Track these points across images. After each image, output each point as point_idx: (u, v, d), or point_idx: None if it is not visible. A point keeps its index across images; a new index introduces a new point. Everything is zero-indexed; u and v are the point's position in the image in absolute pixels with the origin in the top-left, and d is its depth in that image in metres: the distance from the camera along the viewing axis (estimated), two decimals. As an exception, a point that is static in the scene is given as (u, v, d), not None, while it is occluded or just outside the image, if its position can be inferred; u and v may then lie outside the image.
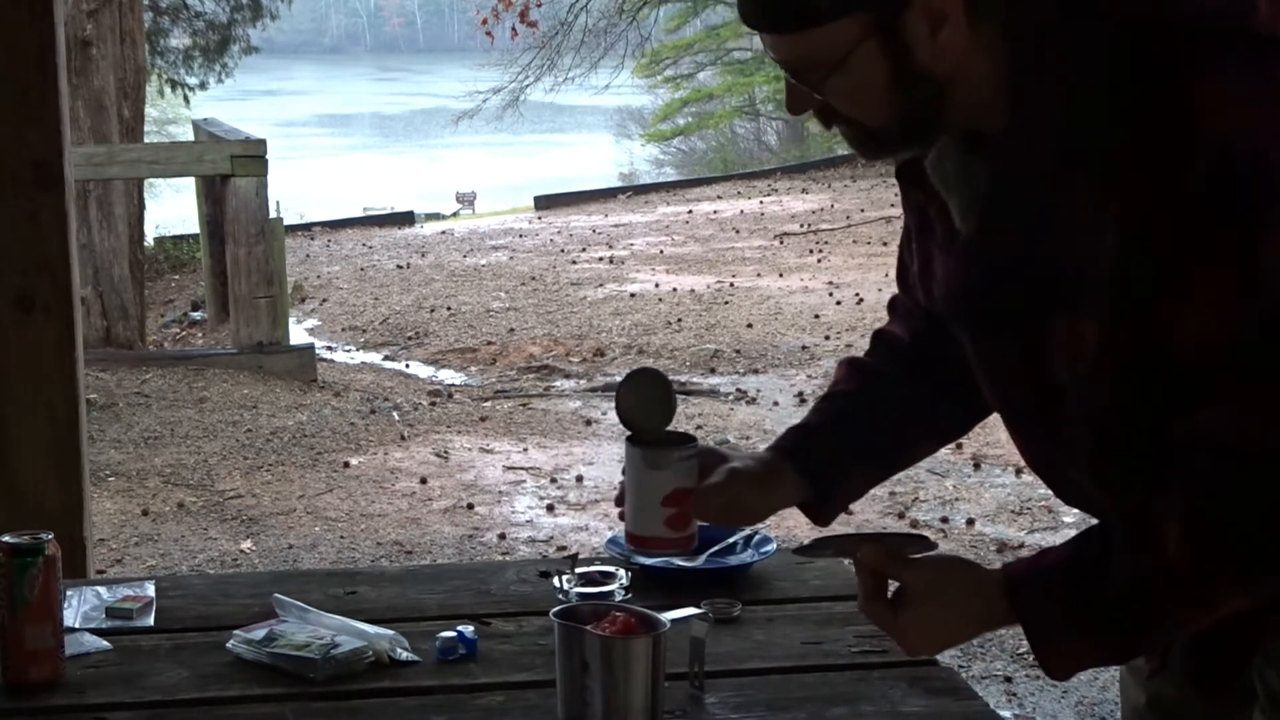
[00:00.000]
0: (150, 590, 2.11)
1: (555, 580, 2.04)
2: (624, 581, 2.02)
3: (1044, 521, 5.77)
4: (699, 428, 7.35)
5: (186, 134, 12.90)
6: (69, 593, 2.03)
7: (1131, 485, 1.44)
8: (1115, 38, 1.37)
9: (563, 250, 13.53)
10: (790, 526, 5.78)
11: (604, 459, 6.87)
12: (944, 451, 6.83)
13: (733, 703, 1.75)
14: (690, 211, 15.70)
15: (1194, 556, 1.38)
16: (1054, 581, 1.46)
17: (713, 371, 8.71)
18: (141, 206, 10.61)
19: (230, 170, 8.45)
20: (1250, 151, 1.31)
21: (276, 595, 1.99)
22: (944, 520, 5.82)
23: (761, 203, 16.07)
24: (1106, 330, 1.39)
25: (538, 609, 1.97)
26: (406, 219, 17.10)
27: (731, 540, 2.18)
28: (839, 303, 10.39)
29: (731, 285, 11.26)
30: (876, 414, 1.83)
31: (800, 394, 8.01)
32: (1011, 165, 1.45)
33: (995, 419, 1.70)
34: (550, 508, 6.15)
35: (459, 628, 1.91)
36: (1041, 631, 1.46)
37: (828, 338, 9.34)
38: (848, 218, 14.36)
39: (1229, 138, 1.31)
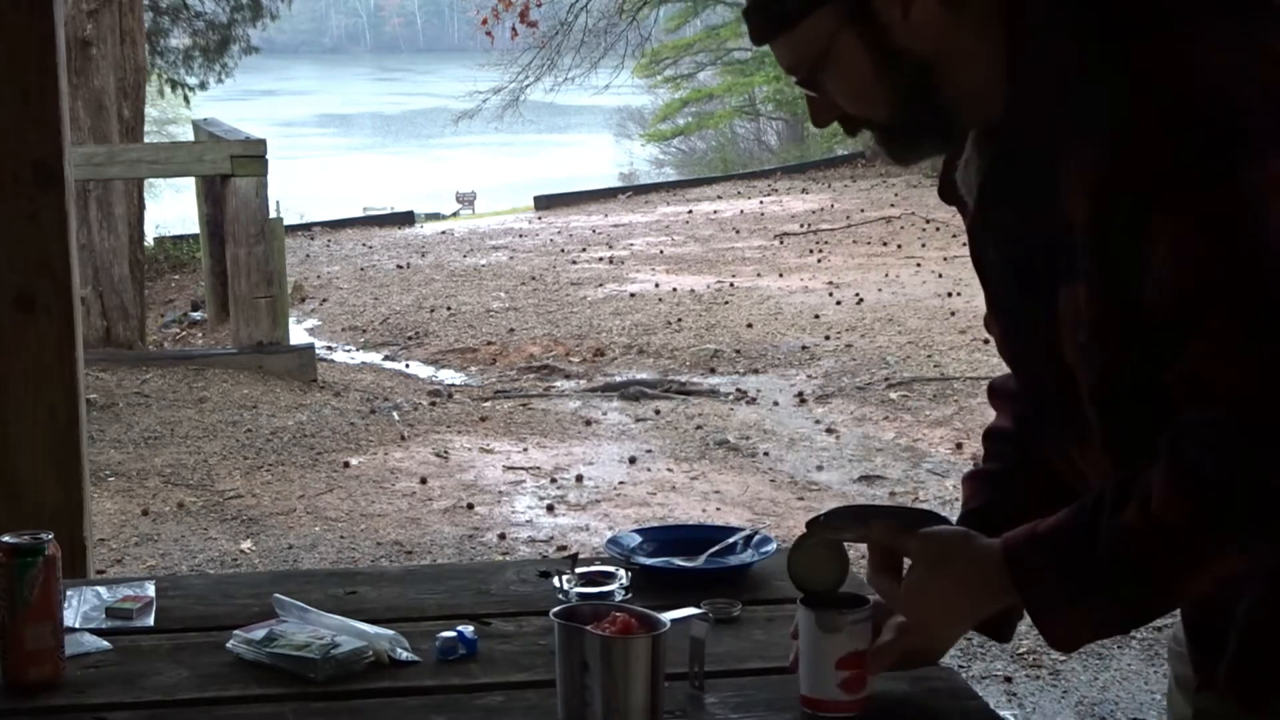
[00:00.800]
0: (150, 590, 2.11)
1: (555, 580, 2.04)
2: (624, 581, 2.02)
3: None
4: (699, 428, 7.35)
5: (186, 134, 12.91)
6: (69, 593, 2.03)
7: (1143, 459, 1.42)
8: (1092, 7, 1.41)
9: (563, 250, 13.53)
10: (790, 526, 5.78)
11: (604, 459, 6.88)
12: (944, 451, 6.83)
13: (733, 703, 1.75)
14: (690, 211, 15.70)
15: (1177, 507, 1.36)
16: (1047, 547, 1.45)
17: (713, 371, 8.71)
18: (141, 206, 10.61)
19: (230, 170, 8.45)
20: (1212, 100, 1.33)
21: (276, 595, 1.99)
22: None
23: (761, 203, 16.07)
24: (1092, 291, 1.40)
25: (538, 609, 1.97)
26: (406, 219, 17.09)
27: (731, 540, 2.18)
28: (839, 303, 10.39)
29: (731, 285, 11.27)
30: (1011, 515, 1.75)
31: (800, 394, 8.02)
32: (1011, 143, 1.47)
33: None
34: (550, 508, 6.15)
35: (459, 628, 1.91)
36: (1037, 599, 1.47)
37: (828, 338, 9.34)
38: (848, 218, 14.36)
39: (1192, 88, 1.33)
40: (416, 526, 5.92)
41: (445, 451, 6.98)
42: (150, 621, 2.01)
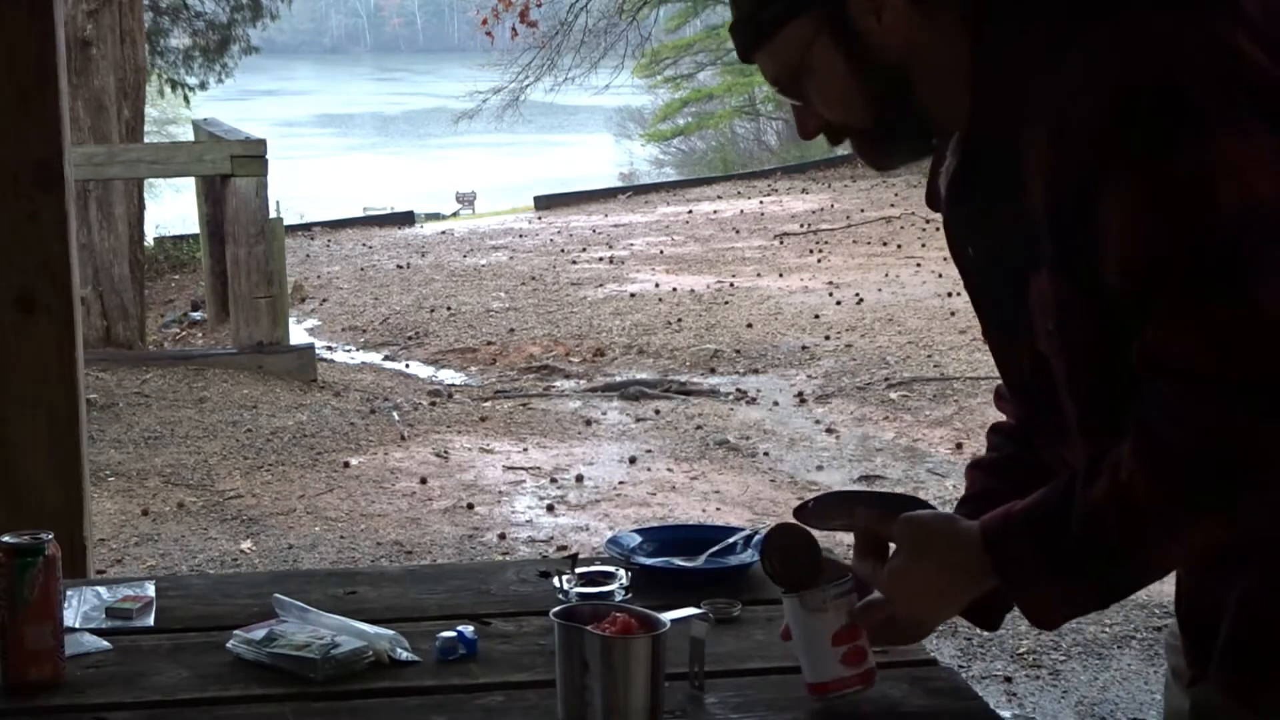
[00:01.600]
0: (150, 590, 2.11)
1: (555, 580, 2.04)
2: (624, 581, 2.02)
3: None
4: (699, 428, 7.35)
5: (186, 134, 12.91)
6: (69, 593, 2.03)
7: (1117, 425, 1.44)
8: (1046, 5, 1.45)
9: (563, 250, 13.53)
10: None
11: (604, 459, 6.88)
12: (944, 451, 6.83)
13: (733, 703, 1.75)
14: (690, 211, 15.70)
15: (1143, 479, 1.38)
16: (1022, 526, 1.48)
17: (713, 371, 8.71)
18: (141, 206, 10.62)
19: (230, 170, 8.46)
20: (1156, 82, 1.35)
21: (276, 595, 1.99)
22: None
23: (761, 203, 16.08)
24: (1055, 277, 1.43)
25: (538, 609, 1.97)
26: (406, 219, 17.09)
27: (731, 540, 2.18)
28: (839, 303, 10.39)
29: (731, 285, 11.27)
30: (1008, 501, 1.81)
31: (800, 394, 8.02)
32: (977, 140, 1.51)
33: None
34: (550, 508, 6.15)
35: (459, 628, 1.91)
36: (1015, 577, 1.48)
37: (828, 338, 9.34)
38: (848, 218, 14.36)
39: (1137, 71, 1.36)
40: (416, 526, 5.92)
41: (445, 451, 6.98)
42: (150, 621, 2.01)
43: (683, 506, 6.13)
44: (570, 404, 8.01)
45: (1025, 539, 1.47)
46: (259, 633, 1.89)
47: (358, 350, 9.85)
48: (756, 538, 2.19)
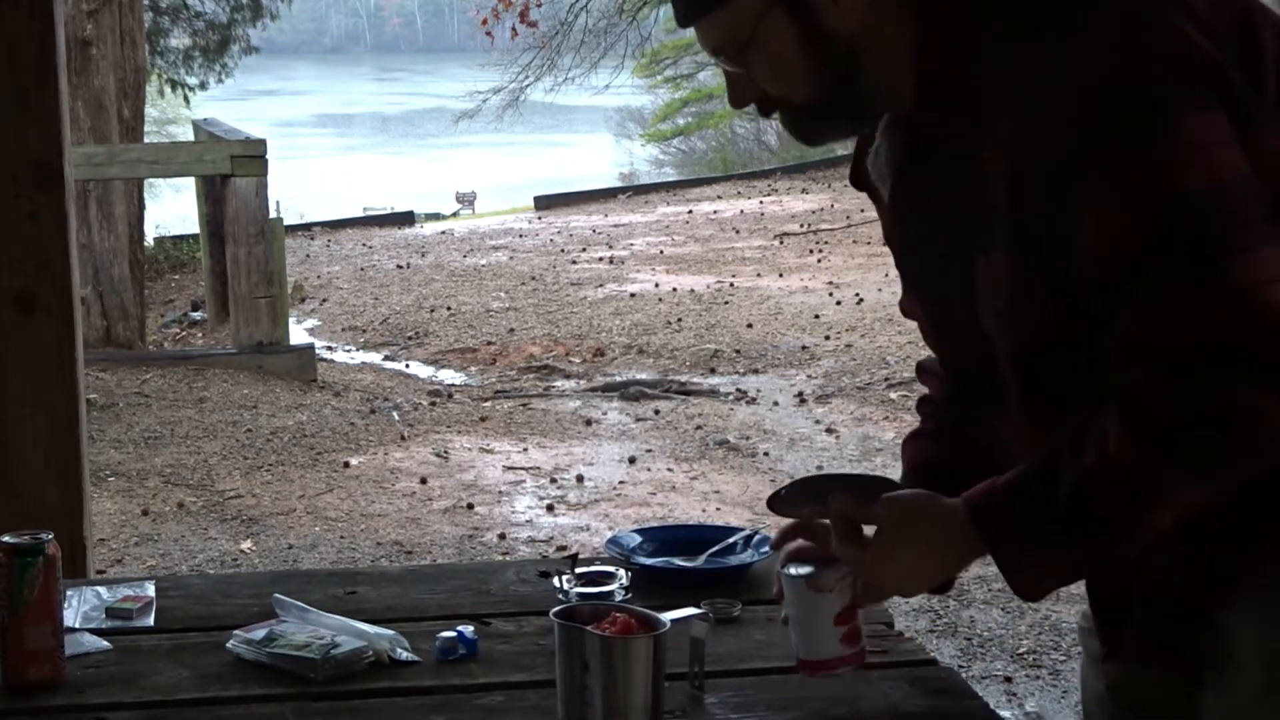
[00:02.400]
0: (150, 590, 2.11)
1: (555, 580, 2.04)
2: (624, 581, 2.02)
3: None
4: (699, 428, 7.35)
5: (186, 134, 12.91)
6: (69, 593, 2.03)
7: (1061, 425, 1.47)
8: None
9: (563, 250, 13.53)
10: (790, 526, 5.79)
11: (604, 459, 6.88)
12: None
13: (733, 703, 1.75)
14: (690, 211, 15.70)
15: (1133, 447, 1.40)
16: (1008, 499, 1.48)
17: (713, 371, 8.71)
18: (141, 206, 10.61)
19: (230, 170, 8.45)
20: (1122, 71, 1.38)
21: (276, 595, 1.99)
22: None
23: (761, 203, 16.08)
24: (1013, 261, 1.45)
25: (538, 609, 1.97)
26: (406, 219, 17.09)
27: (731, 540, 2.18)
28: (839, 303, 10.39)
29: (731, 285, 11.27)
30: (952, 470, 1.78)
31: (800, 394, 8.02)
32: (926, 122, 1.52)
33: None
34: (550, 508, 6.15)
35: (459, 628, 1.91)
36: (1004, 550, 1.49)
37: (828, 338, 9.34)
38: (848, 218, 14.35)
39: (1104, 57, 1.38)
40: (416, 526, 5.92)
41: (445, 451, 6.98)
42: (150, 621, 2.01)
43: (683, 506, 6.13)
44: (570, 404, 8.01)
45: (1013, 512, 1.48)
46: (259, 633, 1.89)
47: (358, 350, 9.85)
48: (757, 538, 2.19)
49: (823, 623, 1.68)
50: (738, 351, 9.12)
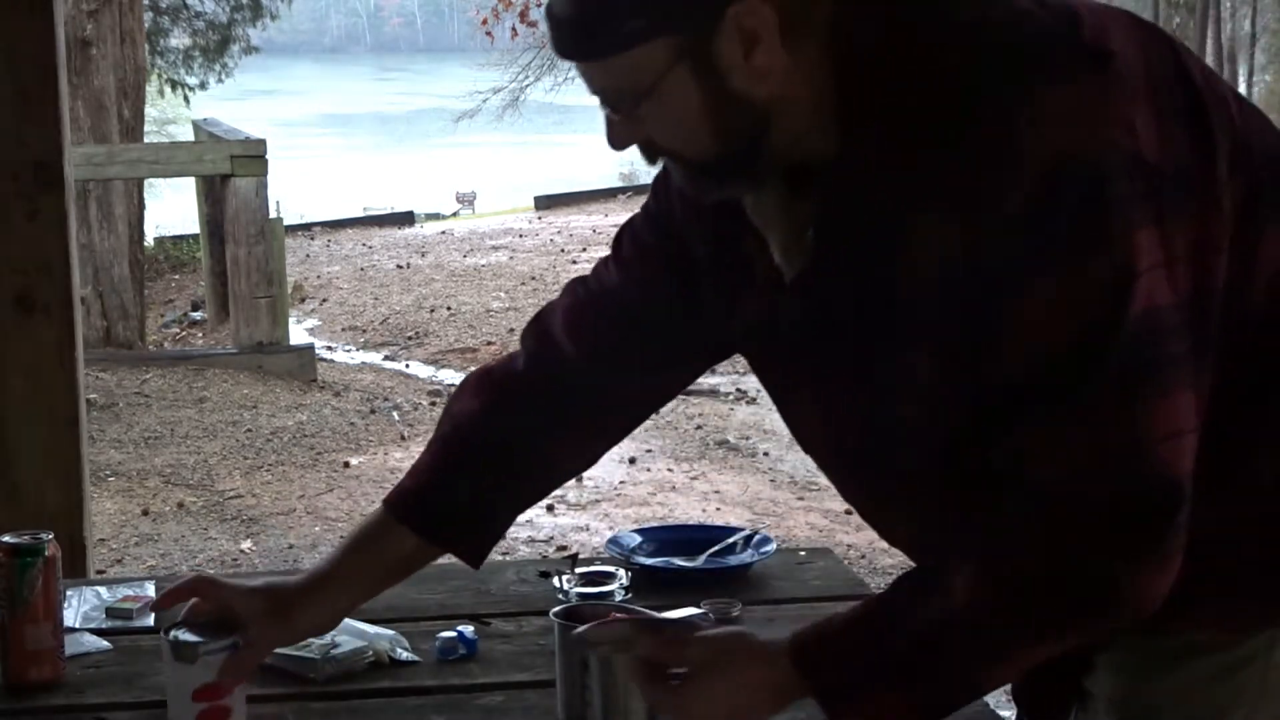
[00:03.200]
0: (150, 590, 2.11)
1: (555, 580, 2.04)
2: (624, 581, 2.02)
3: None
4: (699, 428, 7.35)
5: (186, 134, 12.91)
6: (69, 593, 2.03)
7: (961, 530, 1.36)
8: (940, 59, 1.30)
9: (563, 250, 13.53)
10: (790, 526, 5.79)
11: (604, 459, 6.86)
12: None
13: (733, 703, 1.75)
14: (690, 211, 15.68)
15: (981, 605, 1.30)
16: (840, 641, 1.37)
17: (713, 371, 8.70)
18: (141, 206, 10.62)
19: (230, 170, 8.46)
20: (1076, 170, 1.24)
21: (276, 595, 1.99)
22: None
23: (761, 203, 16.07)
24: (937, 361, 1.32)
25: (538, 609, 1.97)
26: (406, 219, 17.10)
27: (731, 540, 2.18)
28: (839, 303, 10.40)
29: (731, 285, 11.26)
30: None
31: (800, 394, 8.02)
32: (842, 197, 1.36)
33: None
34: (550, 508, 6.15)
35: (459, 628, 1.91)
36: (831, 694, 1.37)
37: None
38: (848, 218, 14.36)
39: (1054, 155, 1.24)
40: (416, 526, 5.92)
41: (445, 451, 6.98)
42: (150, 621, 2.01)
43: (683, 506, 6.13)
44: (570, 404, 8.01)
45: (842, 655, 1.36)
46: (259, 633, 1.88)
47: (358, 350, 9.85)
48: (757, 538, 2.19)
49: (180, 695, 1.61)
50: (738, 351, 9.13)
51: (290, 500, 6.24)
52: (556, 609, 1.70)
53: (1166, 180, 1.25)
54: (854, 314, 1.37)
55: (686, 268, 1.59)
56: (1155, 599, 1.28)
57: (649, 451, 6.96)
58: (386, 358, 9.55)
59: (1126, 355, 1.24)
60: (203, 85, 15.96)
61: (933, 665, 1.33)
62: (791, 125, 1.34)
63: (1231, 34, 23.56)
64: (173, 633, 1.63)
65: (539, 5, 17.29)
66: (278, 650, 1.83)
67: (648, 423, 7.17)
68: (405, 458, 6.87)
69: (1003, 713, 1.80)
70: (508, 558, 5.44)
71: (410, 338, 10.04)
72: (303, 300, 11.44)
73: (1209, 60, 20.75)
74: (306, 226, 15.96)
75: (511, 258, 13.25)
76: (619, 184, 20.78)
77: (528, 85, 21.32)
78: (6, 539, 1.79)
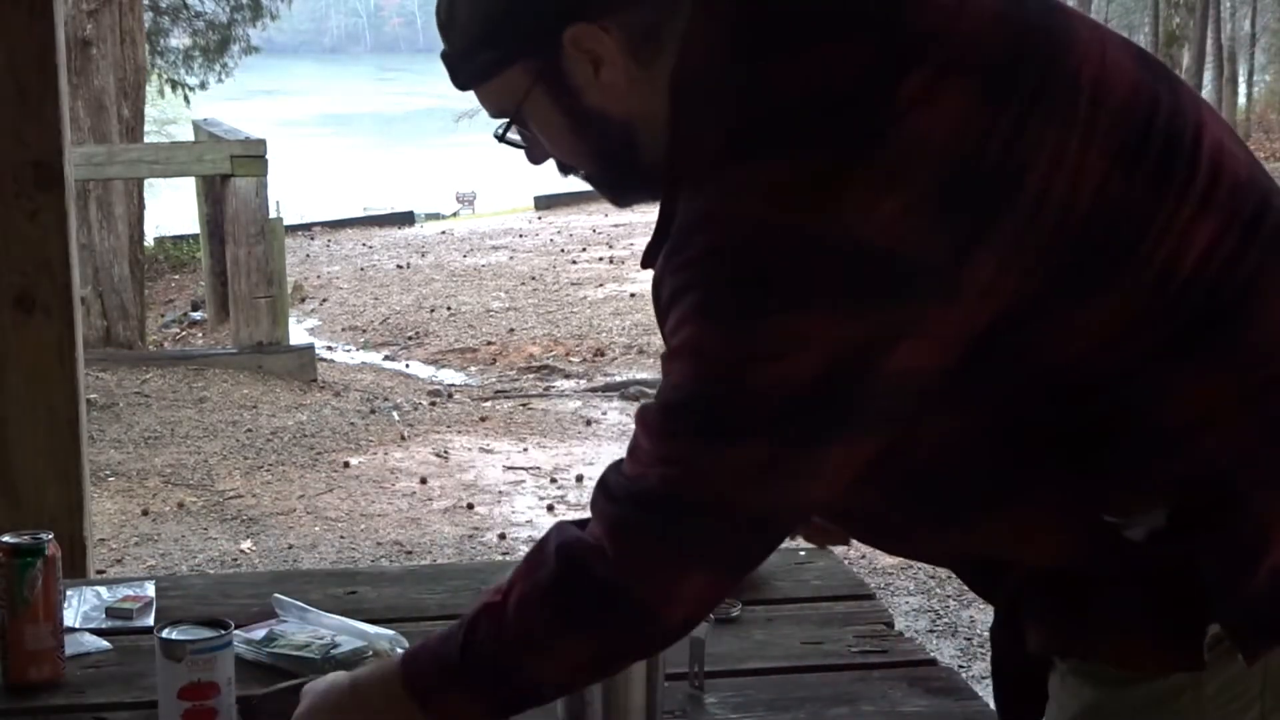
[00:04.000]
0: (150, 590, 2.11)
1: (555, 580, 2.04)
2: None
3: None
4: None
5: (186, 134, 12.90)
6: (69, 593, 2.03)
7: None
8: (723, 100, 1.33)
9: (563, 250, 13.53)
10: (790, 526, 5.79)
11: (604, 459, 6.87)
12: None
13: (733, 703, 1.75)
14: (690, 211, 15.68)
15: (518, 590, 1.38)
16: (430, 644, 1.44)
17: (713, 371, 8.71)
18: (141, 206, 10.62)
19: (230, 170, 8.46)
20: (749, 243, 1.27)
21: (276, 595, 1.99)
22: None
23: (761, 203, 16.07)
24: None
25: (538, 609, 1.97)
26: (406, 219, 17.09)
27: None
28: (839, 303, 10.39)
29: (731, 285, 11.26)
30: None
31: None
32: (663, 207, 1.43)
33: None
34: (550, 508, 6.15)
35: (459, 628, 1.91)
36: (420, 690, 1.42)
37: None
38: (848, 218, 14.36)
39: (741, 221, 1.28)
40: (416, 526, 5.92)
41: (445, 451, 6.98)
42: (150, 621, 2.01)
43: (683, 506, 6.13)
44: (570, 404, 8.01)
45: (428, 656, 1.43)
46: (259, 633, 1.89)
47: (358, 350, 9.85)
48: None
49: (168, 693, 1.62)
50: (738, 351, 9.12)
51: (290, 500, 6.24)
52: (556, 609, 1.70)
53: (877, 269, 1.25)
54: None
55: None
56: (654, 600, 1.34)
57: (649, 451, 6.96)
58: (386, 358, 9.55)
59: (727, 400, 1.28)
60: (203, 85, 15.96)
61: (483, 659, 1.39)
62: (654, 140, 1.39)
63: (1231, 34, 23.54)
64: (163, 631, 1.63)
65: (539, 5, 17.33)
66: (278, 650, 1.83)
67: (648, 423, 7.06)
68: (405, 458, 6.88)
69: (1003, 713, 1.79)
70: (508, 558, 5.44)
71: (410, 338, 10.04)
72: (303, 300, 11.44)
73: (1209, 60, 20.72)
74: (306, 226, 15.95)
75: (511, 258, 13.25)
76: (619, 184, 20.74)
77: (528, 85, 21.30)
78: (6, 539, 1.79)
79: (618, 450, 6.53)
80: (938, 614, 4.84)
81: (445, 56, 1.46)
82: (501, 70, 1.41)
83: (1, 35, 2.94)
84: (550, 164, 1.51)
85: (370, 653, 1.85)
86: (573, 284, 11.67)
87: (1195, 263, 1.31)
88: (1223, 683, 1.35)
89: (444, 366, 9.24)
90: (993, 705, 1.61)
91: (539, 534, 5.77)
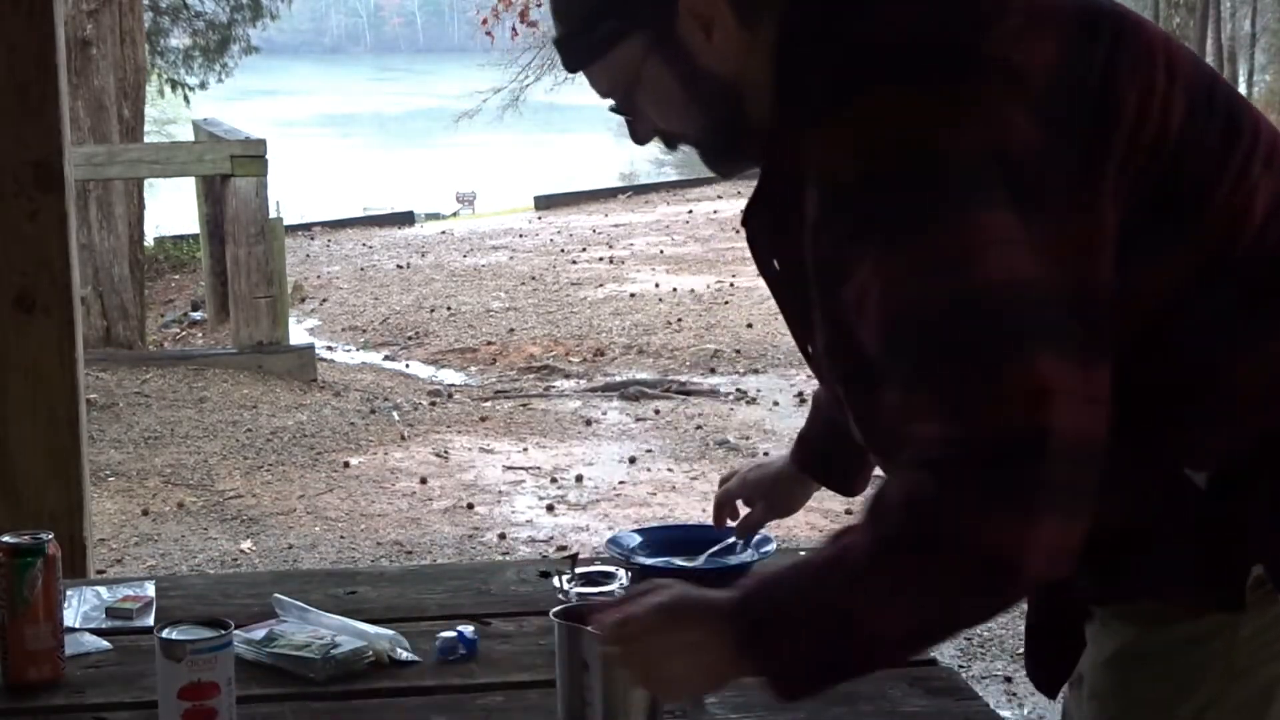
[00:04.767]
0: (150, 590, 2.11)
1: (555, 580, 2.04)
2: (624, 581, 2.02)
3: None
4: (699, 428, 7.35)
5: (186, 134, 12.90)
6: (69, 593, 2.03)
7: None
8: (840, 51, 1.42)
9: (563, 250, 13.54)
10: (790, 526, 5.79)
11: (604, 459, 6.88)
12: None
13: (733, 703, 1.75)
14: (690, 211, 15.70)
15: (863, 547, 1.35)
16: (768, 588, 1.42)
17: (713, 371, 8.71)
18: (141, 206, 10.62)
19: (230, 170, 8.45)
20: (913, 152, 1.34)
21: (276, 595, 1.99)
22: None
23: (761, 203, 16.07)
24: (820, 320, 1.48)
25: (538, 609, 1.97)
26: (406, 219, 17.09)
27: (731, 540, 2.18)
28: (839, 303, 10.39)
29: (731, 285, 11.26)
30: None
31: (800, 394, 8.01)
32: (771, 166, 1.54)
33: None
34: (550, 508, 6.15)
35: (459, 628, 1.91)
36: (752, 633, 1.41)
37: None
38: (848, 218, 14.36)
39: (894, 140, 1.35)
40: (416, 526, 5.92)
41: (445, 451, 6.98)
42: (150, 621, 2.01)
43: (683, 506, 6.13)
44: (570, 404, 8.01)
45: (770, 602, 1.41)
46: (259, 633, 1.89)
47: (358, 350, 9.85)
48: (757, 537, 2.19)
49: (167, 693, 1.62)
50: (738, 351, 9.12)
51: (290, 500, 6.24)
52: (556, 609, 1.70)
53: (1031, 174, 1.33)
54: (784, 269, 1.54)
55: None
56: (1015, 553, 1.28)
57: (649, 451, 6.96)
58: (386, 358, 9.55)
59: (973, 319, 1.30)
60: (203, 85, 15.97)
61: (827, 609, 1.36)
62: (758, 104, 1.49)
63: (1231, 34, 23.55)
64: (163, 631, 1.63)
65: (539, 5, 17.29)
66: (278, 650, 1.83)
67: (647, 422, 7.18)
68: (405, 458, 6.88)
69: (1003, 713, 1.80)
70: (508, 558, 5.44)
71: (410, 338, 10.04)
72: (303, 300, 11.44)
73: (1209, 60, 20.74)
74: (306, 226, 15.94)
75: (511, 258, 13.25)
76: (619, 184, 20.78)
77: (527, 85, 21.32)
78: (6, 539, 1.79)
79: (618, 450, 6.46)
80: (938, 614, 4.84)
81: (561, 39, 1.54)
82: (619, 41, 1.49)
83: (1, 35, 2.94)
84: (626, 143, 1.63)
85: (370, 653, 1.85)
86: (573, 284, 11.67)
87: (1263, 217, 1.42)
88: (1258, 627, 1.45)
89: (444, 366, 9.24)
90: (992, 705, 1.61)
91: (539, 534, 5.71)
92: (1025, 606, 1.62)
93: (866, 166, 1.36)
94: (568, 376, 8.72)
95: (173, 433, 7.19)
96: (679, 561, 2.14)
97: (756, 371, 8.67)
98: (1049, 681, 1.66)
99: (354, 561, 5.48)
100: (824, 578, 1.37)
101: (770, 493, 2.11)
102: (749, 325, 9.83)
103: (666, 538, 2.22)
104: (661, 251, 13.20)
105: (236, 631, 1.90)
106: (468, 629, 1.91)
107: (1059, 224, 1.34)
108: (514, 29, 17.17)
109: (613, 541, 2.22)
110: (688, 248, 13.38)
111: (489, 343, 9.68)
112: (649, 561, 2.14)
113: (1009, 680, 4.35)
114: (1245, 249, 1.41)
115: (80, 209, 8.61)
